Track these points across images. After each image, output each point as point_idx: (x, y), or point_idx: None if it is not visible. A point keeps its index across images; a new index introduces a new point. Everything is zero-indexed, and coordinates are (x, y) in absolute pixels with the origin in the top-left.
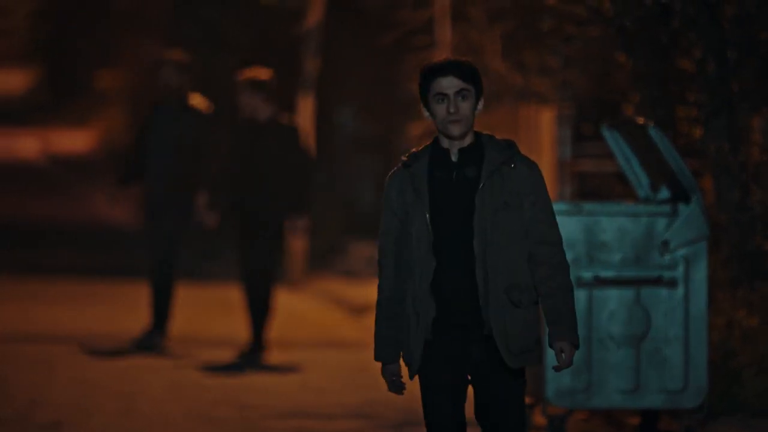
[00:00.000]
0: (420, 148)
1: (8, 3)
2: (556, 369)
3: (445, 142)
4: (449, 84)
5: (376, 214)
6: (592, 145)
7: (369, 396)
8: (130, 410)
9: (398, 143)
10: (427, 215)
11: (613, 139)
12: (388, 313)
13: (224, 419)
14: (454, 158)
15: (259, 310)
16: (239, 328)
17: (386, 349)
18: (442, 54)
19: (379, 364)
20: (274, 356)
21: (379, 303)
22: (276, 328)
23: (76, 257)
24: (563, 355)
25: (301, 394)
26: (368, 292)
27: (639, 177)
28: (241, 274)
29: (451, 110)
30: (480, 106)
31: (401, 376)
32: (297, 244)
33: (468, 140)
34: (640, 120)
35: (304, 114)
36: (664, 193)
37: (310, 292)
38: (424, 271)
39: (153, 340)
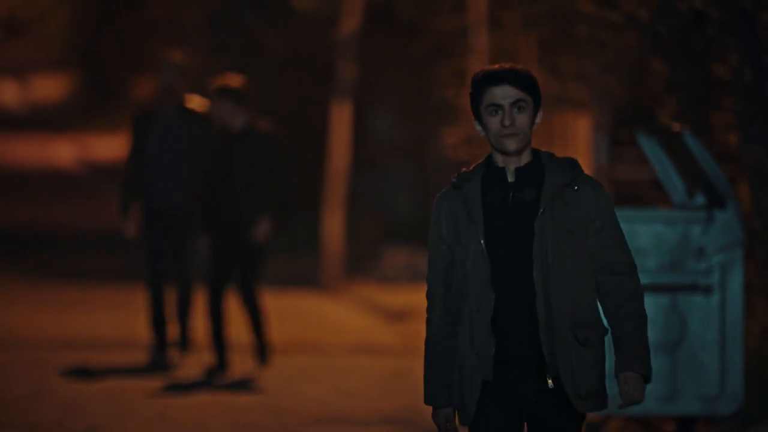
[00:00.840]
0: (471, 167)
1: (45, 9)
2: (621, 406)
3: (499, 160)
4: (504, 94)
5: (411, 221)
6: (628, 151)
7: (405, 402)
8: (165, 416)
9: (433, 149)
10: (482, 242)
11: (648, 146)
12: (438, 350)
13: (260, 425)
14: (510, 178)
15: (257, 317)
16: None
17: (439, 391)
18: (477, 60)
19: (415, 367)
20: (309, 362)
21: (429, 340)
22: (312, 334)
23: (113, 262)
24: (627, 385)
25: (336, 399)
26: (404, 298)
27: (675, 183)
28: (208, 283)
29: (506, 123)
30: (538, 119)
31: (455, 422)
32: (333, 250)
33: (525, 158)
34: (676, 126)
35: (339, 120)
36: (700, 199)
37: (346, 298)
38: (482, 305)
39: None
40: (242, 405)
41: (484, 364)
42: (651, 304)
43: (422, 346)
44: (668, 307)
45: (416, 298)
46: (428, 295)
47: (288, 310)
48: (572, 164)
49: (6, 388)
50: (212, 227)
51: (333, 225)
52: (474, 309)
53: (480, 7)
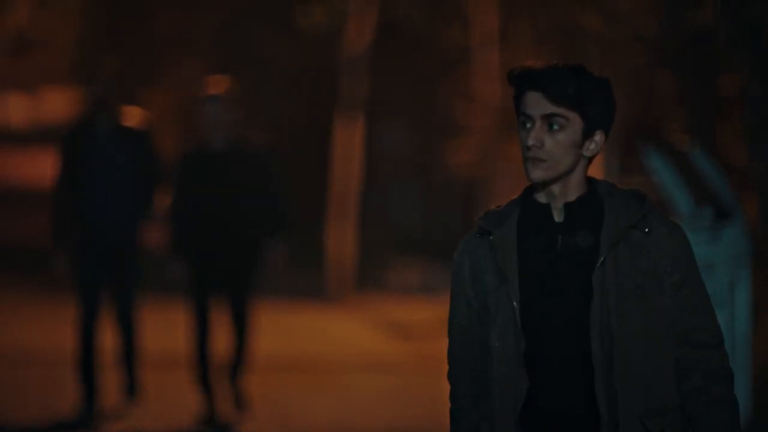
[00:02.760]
0: (503, 204)
1: (52, 25)
2: None
3: (541, 194)
4: (534, 103)
5: (419, 235)
6: (637, 165)
7: (413, 418)
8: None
9: (442, 164)
10: (516, 306)
11: (655, 160)
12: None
13: None
14: (557, 217)
15: (245, 337)
16: (275, 347)
17: None
18: (486, 76)
19: (421, 384)
20: (317, 377)
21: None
22: (319, 348)
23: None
24: None
25: (344, 415)
26: (412, 313)
27: (681, 197)
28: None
29: (529, 142)
30: (594, 146)
31: None
32: (343, 264)
33: (576, 190)
34: (683, 139)
35: (347, 134)
36: (707, 213)
37: (354, 313)
38: (508, 393)
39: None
40: (251, 419)
41: None
42: None
43: (431, 362)
44: None
45: (424, 312)
46: (449, 374)
47: (295, 325)
48: (639, 198)
49: (22, 405)
50: (199, 251)
51: (343, 239)
52: (498, 395)
53: (489, 23)
